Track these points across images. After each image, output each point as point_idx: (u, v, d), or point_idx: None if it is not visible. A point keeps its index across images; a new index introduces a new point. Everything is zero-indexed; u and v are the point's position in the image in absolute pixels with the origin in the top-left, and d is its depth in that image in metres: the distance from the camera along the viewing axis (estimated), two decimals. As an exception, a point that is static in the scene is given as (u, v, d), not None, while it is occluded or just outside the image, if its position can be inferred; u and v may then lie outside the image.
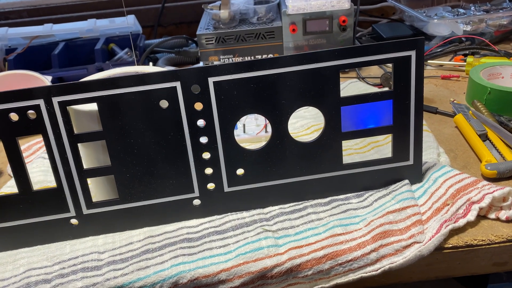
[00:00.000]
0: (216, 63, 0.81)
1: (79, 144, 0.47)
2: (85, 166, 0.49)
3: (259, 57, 0.88)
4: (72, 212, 0.50)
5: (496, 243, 0.46)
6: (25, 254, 0.49)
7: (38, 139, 0.73)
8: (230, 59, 0.88)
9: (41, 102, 0.45)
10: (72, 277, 0.45)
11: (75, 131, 0.47)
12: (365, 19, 1.10)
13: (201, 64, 0.82)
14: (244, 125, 0.68)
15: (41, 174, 0.62)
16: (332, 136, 0.51)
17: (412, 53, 0.48)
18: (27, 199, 0.48)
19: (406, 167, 0.53)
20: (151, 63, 0.90)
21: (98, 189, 0.54)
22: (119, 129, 0.47)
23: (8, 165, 0.67)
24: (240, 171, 0.51)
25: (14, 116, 0.46)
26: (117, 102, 0.46)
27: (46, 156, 0.50)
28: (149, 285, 0.44)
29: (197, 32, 0.87)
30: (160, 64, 0.95)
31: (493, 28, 0.91)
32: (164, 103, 0.47)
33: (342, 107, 0.50)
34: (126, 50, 0.96)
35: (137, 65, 0.90)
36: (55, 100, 0.45)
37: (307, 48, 0.87)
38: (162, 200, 0.51)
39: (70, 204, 0.49)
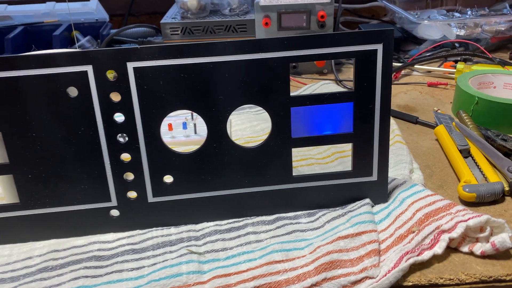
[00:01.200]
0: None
1: (-32, 135, 0.39)
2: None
3: (229, 52, 0.80)
4: (-38, 217, 0.41)
5: (467, 283, 0.37)
6: None
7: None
8: (197, 53, 0.80)
9: None
10: None
11: (-36, 119, 0.39)
12: (353, 19, 1.02)
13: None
14: (195, 124, 0.59)
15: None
16: (280, 142, 0.42)
17: (379, 47, 0.40)
18: None
19: (368, 184, 0.45)
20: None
21: (7, 191, 0.46)
22: (18, 119, 0.39)
23: None
24: (168, 179, 0.43)
25: None
26: (14, 87, 0.38)
27: None
28: (35, 313, 0.36)
29: (161, 21, 0.79)
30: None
31: (489, 34, 0.83)
32: (73, 91, 0.39)
33: (293, 108, 0.41)
34: (87, 37, 0.88)
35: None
36: None
37: (282, 45, 0.79)
38: (73, 208, 0.42)
39: (-41, 207, 0.41)
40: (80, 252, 0.41)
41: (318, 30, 0.76)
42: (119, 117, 0.40)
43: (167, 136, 0.59)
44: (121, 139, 0.41)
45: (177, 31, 0.79)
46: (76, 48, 0.89)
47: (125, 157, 0.41)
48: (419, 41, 0.88)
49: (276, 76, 0.40)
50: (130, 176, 0.42)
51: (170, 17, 0.81)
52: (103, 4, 0.95)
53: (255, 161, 0.43)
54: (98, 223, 0.43)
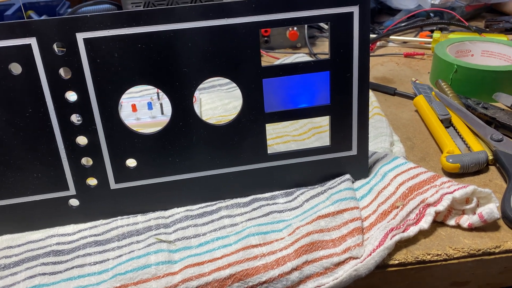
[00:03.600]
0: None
1: None
2: None
3: (197, 28, 0.75)
4: None
5: (455, 258, 0.35)
6: None
7: None
8: (163, 30, 0.75)
9: None
10: None
11: None
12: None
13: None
14: (161, 104, 0.55)
15: None
16: (253, 117, 0.39)
17: (355, 9, 0.37)
18: None
19: (348, 158, 0.42)
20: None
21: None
22: (-46, 102, 0.34)
23: None
24: (131, 162, 0.39)
25: None
26: None
27: None
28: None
29: (122, -4, 0.73)
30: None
31: (464, 2, 0.81)
32: (16, 68, 0.34)
33: (265, 79, 0.38)
34: (43, 17, 0.81)
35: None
36: None
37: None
38: (26, 199, 0.38)
39: None
40: (36, 248, 0.37)
41: (290, 1, 0.72)
42: (71, 96, 0.36)
43: (131, 118, 0.54)
44: (74, 120, 0.37)
45: (140, 5, 0.73)
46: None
47: (82, 140, 0.37)
48: (393, 11, 0.85)
49: (245, 44, 0.37)
50: (88, 161, 0.38)
51: (132, -8, 0.75)
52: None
53: (226, 140, 0.39)
54: (56, 214, 0.39)
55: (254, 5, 0.36)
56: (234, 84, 0.39)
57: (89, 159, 0.38)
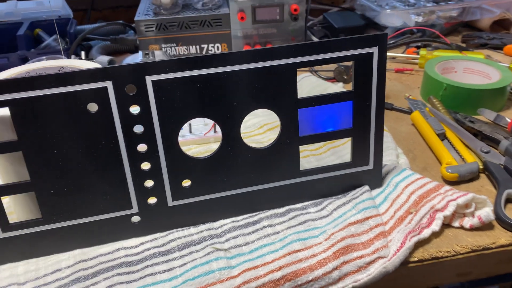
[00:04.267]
0: (157, 53, 0.73)
1: (-12, 157, 0.39)
2: (0, 181, 0.41)
3: (205, 46, 0.81)
4: (-17, 237, 0.42)
5: (461, 254, 0.43)
6: None
7: None
8: (173, 48, 0.81)
9: None
10: (-17, 318, 0.38)
11: (-18, 141, 0.39)
12: (315, 7, 1.06)
13: (139, 54, 0.74)
14: (190, 124, 0.61)
15: None
16: (289, 141, 0.46)
17: (374, 50, 0.44)
18: None
19: (365, 172, 0.49)
20: (83, 52, 0.80)
21: (19, 206, 0.46)
22: (39, 137, 0.39)
23: None
24: (186, 183, 0.45)
25: None
26: (34, 106, 0.38)
27: None
28: (79, 323, 0.38)
29: (135, 18, 0.78)
30: (94, 53, 0.86)
31: (443, 20, 0.90)
32: (93, 107, 0.40)
33: (300, 109, 0.45)
34: (54, 37, 0.85)
35: (69, 53, 0.81)
36: (-47, 105, 0.37)
37: (256, 37, 0.81)
38: (95, 218, 0.44)
39: (-20, 228, 0.41)
40: (107, 260, 0.43)
41: (291, 22, 0.79)
42: (139, 128, 0.42)
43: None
44: (140, 149, 0.42)
45: (152, 27, 0.79)
46: (41, 49, 0.86)
47: (145, 166, 0.43)
48: (380, 27, 0.94)
49: (284, 81, 0.43)
50: (150, 183, 0.44)
51: (143, 13, 0.80)
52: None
53: (267, 160, 0.46)
54: (120, 230, 0.45)
55: (294, 49, 0.42)
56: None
57: (151, 181, 0.44)
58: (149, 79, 0.40)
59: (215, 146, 0.60)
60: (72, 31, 0.85)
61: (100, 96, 0.39)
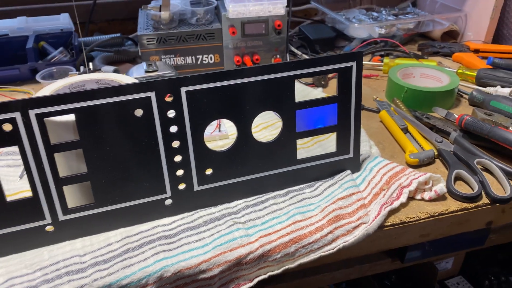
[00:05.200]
0: (159, 64, 0.83)
1: (54, 154, 0.49)
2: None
3: (200, 57, 0.92)
4: (48, 220, 0.51)
5: (422, 219, 0.57)
6: (1, 264, 0.50)
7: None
8: (172, 59, 0.91)
9: (17, 115, 0.46)
10: (58, 282, 0.47)
11: (51, 141, 0.49)
12: (291, 19, 1.18)
13: (143, 64, 0.84)
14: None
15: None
16: (288, 136, 0.58)
17: (353, 64, 0.57)
18: (1, 210, 0.49)
19: (347, 160, 0.62)
20: (90, 63, 0.89)
21: (68, 195, 0.55)
22: (96, 137, 0.50)
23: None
24: (208, 171, 0.56)
25: (-12, 129, 0.46)
26: (94, 113, 0.48)
27: None
28: (135, 281, 0.48)
29: (138, 33, 0.88)
30: (97, 63, 0.95)
31: (402, 31, 1.05)
32: (139, 112, 0.50)
33: (297, 110, 0.57)
34: (60, 49, 0.94)
35: (76, 64, 0.90)
36: (32, 113, 0.46)
37: (244, 49, 0.93)
38: (137, 202, 0.54)
39: (46, 212, 0.51)
40: (148, 235, 0.54)
41: (275, 35, 0.92)
42: (174, 129, 0.52)
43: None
44: (174, 145, 0.53)
45: (153, 41, 0.89)
46: (48, 60, 0.94)
47: (177, 158, 0.54)
48: (348, 38, 1.08)
49: (285, 88, 0.55)
50: (180, 172, 0.55)
51: (143, 28, 0.90)
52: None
53: (271, 152, 0.58)
54: (156, 211, 0.55)
55: (293, 65, 0.54)
56: (275, 114, 0.57)
57: (182, 170, 0.55)
58: (183, 90, 0.51)
59: (221, 142, 0.72)
60: (76, 44, 0.94)
61: (145, 103, 0.50)
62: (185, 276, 0.50)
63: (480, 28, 1.05)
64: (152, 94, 0.50)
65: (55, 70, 0.89)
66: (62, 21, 0.91)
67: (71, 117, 0.49)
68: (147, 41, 0.88)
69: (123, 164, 0.52)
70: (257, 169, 0.58)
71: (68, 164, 0.52)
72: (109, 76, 0.61)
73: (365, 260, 0.70)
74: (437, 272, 1.05)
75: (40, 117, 0.47)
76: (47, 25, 0.90)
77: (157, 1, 0.94)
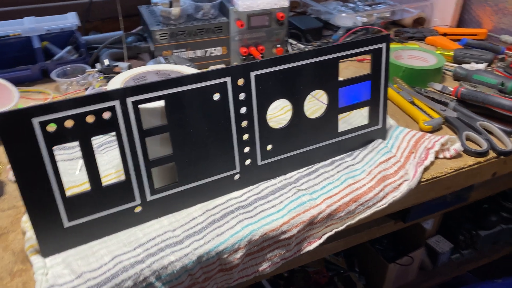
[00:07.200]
0: (175, 58, 0.88)
1: (147, 138, 0.53)
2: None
3: (208, 49, 0.97)
4: (138, 201, 0.55)
5: (448, 173, 0.67)
6: (99, 246, 0.53)
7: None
8: (183, 53, 0.95)
9: (116, 103, 0.50)
10: (162, 254, 0.52)
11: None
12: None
13: (161, 59, 0.87)
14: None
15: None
16: (333, 111, 0.66)
17: (383, 45, 0.66)
18: (98, 194, 0.52)
19: (377, 130, 0.72)
20: (106, 60, 0.91)
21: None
22: (181, 121, 0.54)
23: (10, 173, 0.66)
24: (269, 147, 0.63)
25: (90, 118, 0.49)
26: (180, 98, 0.53)
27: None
28: (230, 247, 0.54)
29: (151, 29, 0.91)
30: (104, 59, 0.96)
31: (380, 19, 1.17)
32: (216, 96, 0.56)
33: (340, 88, 0.65)
34: (68, 48, 0.94)
35: (89, 63, 0.92)
36: (129, 101, 0.51)
37: (247, 40, 0.99)
38: (213, 179, 0.60)
39: (136, 194, 0.55)
40: (226, 207, 0.59)
41: (277, 26, 0.99)
42: (243, 110, 0.58)
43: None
44: (243, 125, 0.59)
45: (166, 36, 0.92)
46: (56, 60, 0.94)
47: (245, 137, 0.60)
48: (331, 27, 1.17)
49: (331, 69, 0.63)
50: (247, 149, 0.61)
51: (154, 24, 0.94)
52: (61, 12, 1.00)
53: (318, 126, 0.66)
54: (226, 185, 0.61)
55: (337, 48, 0.62)
56: (321, 93, 0.65)
57: (248, 147, 0.61)
58: (252, 74, 0.57)
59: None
60: (83, 42, 0.95)
61: (222, 87, 0.56)
62: (270, 238, 0.56)
63: (445, 14, 1.19)
64: (228, 79, 0.56)
65: (69, 68, 0.90)
66: (71, 20, 0.92)
67: (159, 103, 0.53)
68: (160, 36, 0.92)
69: (202, 145, 0.57)
70: (307, 143, 0.66)
71: (152, 148, 0.57)
72: (165, 67, 0.65)
73: (373, 224, 0.80)
74: (426, 231, 1.19)
75: (135, 104, 0.51)
76: (56, 24, 0.90)
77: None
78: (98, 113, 0.49)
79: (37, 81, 0.92)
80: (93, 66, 0.92)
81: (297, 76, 0.61)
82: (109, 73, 0.86)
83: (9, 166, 0.67)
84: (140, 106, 0.53)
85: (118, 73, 0.87)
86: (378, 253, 1.19)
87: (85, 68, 0.90)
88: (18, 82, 0.89)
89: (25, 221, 0.56)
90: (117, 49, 0.98)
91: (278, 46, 1.02)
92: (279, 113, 0.82)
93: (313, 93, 0.82)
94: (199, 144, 0.57)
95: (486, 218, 1.32)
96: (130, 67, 0.92)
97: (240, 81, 0.57)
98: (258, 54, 0.98)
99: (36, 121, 0.46)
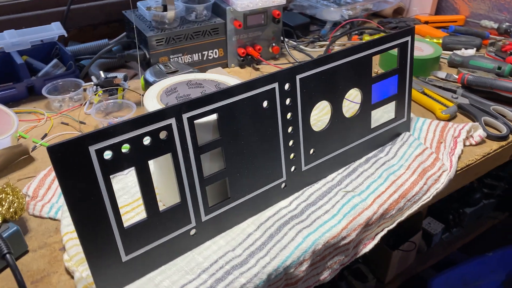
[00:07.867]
0: (173, 63, 0.83)
1: (201, 155, 0.49)
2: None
3: (205, 52, 0.93)
4: (193, 223, 0.51)
5: (478, 160, 0.69)
6: (160, 277, 0.49)
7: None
8: (180, 58, 0.91)
9: (172, 120, 0.46)
10: (231, 278, 0.49)
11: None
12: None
13: (160, 66, 0.82)
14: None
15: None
16: (367, 108, 0.65)
17: (409, 39, 0.66)
18: (155, 221, 0.48)
19: (402, 123, 0.72)
20: (101, 72, 0.84)
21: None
22: (233, 133, 0.51)
23: (30, 206, 0.59)
24: (312, 151, 0.61)
25: (146, 140, 0.45)
26: (232, 109, 0.50)
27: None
28: (296, 260, 0.52)
29: (147, 35, 0.86)
30: (93, 70, 0.90)
31: (364, 11, 1.17)
32: (265, 103, 0.53)
33: (373, 84, 0.64)
34: (54, 62, 0.86)
35: (80, 76, 0.85)
36: (185, 117, 0.47)
37: (243, 41, 0.96)
38: (261, 190, 0.57)
39: (191, 215, 0.51)
40: (278, 218, 0.57)
41: (273, 24, 0.97)
42: (289, 115, 0.56)
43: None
44: (289, 130, 0.57)
45: (162, 41, 0.87)
46: (40, 76, 0.86)
47: (291, 142, 0.58)
48: (318, 21, 1.17)
49: (365, 66, 0.62)
50: (292, 155, 0.58)
51: (148, 30, 0.88)
52: (36, 22, 0.92)
53: (354, 124, 0.64)
54: (273, 196, 0.58)
55: (371, 44, 0.61)
56: (354, 91, 0.64)
57: (293, 153, 0.58)
58: (298, 77, 0.55)
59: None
60: (70, 54, 0.87)
61: (270, 94, 0.53)
62: (331, 245, 0.55)
63: (424, 2, 1.22)
64: (275, 85, 0.53)
65: (61, 83, 0.83)
66: (56, 31, 0.84)
67: (212, 117, 0.49)
68: (156, 42, 0.87)
69: (252, 156, 0.54)
70: (345, 143, 0.64)
71: (203, 164, 0.53)
72: (195, 76, 0.61)
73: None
74: (424, 214, 1.22)
75: (191, 120, 0.47)
76: (41, 36, 0.82)
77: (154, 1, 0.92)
78: (154, 133, 0.45)
79: (22, 99, 0.84)
80: (84, 80, 0.85)
81: (336, 76, 0.59)
82: (108, 86, 0.80)
83: (28, 198, 0.60)
84: (196, 121, 0.49)
85: (118, 85, 0.81)
86: (381, 241, 1.20)
87: (78, 82, 0.83)
88: (2, 102, 0.81)
89: (68, 260, 0.50)
90: (105, 59, 0.91)
91: (274, 44, 1.00)
92: (321, 113, 0.80)
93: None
94: (249, 155, 0.54)
95: (470, 195, 1.38)
96: (126, 78, 0.86)
97: (287, 86, 0.54)
98: (257, 54, 0.96)
99: (92, 149, 0.41)
